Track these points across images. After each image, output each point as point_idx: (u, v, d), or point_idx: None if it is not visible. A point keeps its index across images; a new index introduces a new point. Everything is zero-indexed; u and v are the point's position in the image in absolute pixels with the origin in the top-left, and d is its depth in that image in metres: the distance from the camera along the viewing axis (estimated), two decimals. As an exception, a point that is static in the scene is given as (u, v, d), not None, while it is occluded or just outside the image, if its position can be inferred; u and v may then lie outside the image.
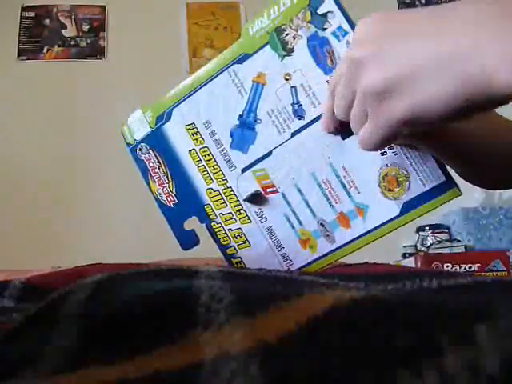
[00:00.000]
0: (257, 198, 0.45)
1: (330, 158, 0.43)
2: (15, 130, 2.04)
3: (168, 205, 0.47)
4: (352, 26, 0.40)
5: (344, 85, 0.35)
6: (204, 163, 0.46)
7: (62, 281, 0.34)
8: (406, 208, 0.41)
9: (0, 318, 0.28)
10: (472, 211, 1.75)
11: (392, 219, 0.42)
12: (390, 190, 0.42)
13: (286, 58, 0.42)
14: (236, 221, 0.46)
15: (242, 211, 0.46)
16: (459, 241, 1.69)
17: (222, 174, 0.46)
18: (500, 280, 0.31)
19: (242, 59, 0.44)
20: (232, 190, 0.45)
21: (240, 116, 0.44)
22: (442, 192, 0.41)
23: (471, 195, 1.81)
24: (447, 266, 1.15)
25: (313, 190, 0.43)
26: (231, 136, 0.45)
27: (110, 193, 2.00)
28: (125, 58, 2.17)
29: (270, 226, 0.45)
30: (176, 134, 0.46)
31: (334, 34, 0.41)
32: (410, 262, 1.29)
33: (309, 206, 0.44)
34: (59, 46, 2.19)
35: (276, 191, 0.44)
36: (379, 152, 0.42)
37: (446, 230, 1.76)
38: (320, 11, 0.41)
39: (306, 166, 0.43)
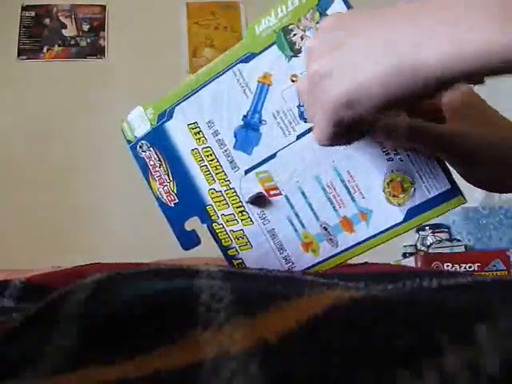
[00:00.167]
0: (260, 200, 0.44)
1: (334, 161, 0.42)
2: (15, 130, 2.04)
3: (168, 204, 0.47)
4: None
5: (301, 79, 0.38)
6: (206, 163, 0.45)
7: (62, 280, 0.34)
8: (410, 214, 0.41)
9: (0, 318, 0.28)
10: (472, 211, 1.75)
11: (395, 225, 0.41)
12: (394, 196, 0.41)
13: (293, 58, 0.42)
14: (238, 222, 0.45)
15: (244, 213, 0.45)
16: (459, 240, 1.68)
17: (225, 174, 0.45)
18: (500, 280, 0.31)
19: (247, 58, 0.43)
20: (235, 191, 0.45)
21: (244, 116, 0.44)
22: (446, 199, 0.40)
23: (471, 195, 1.80)
24: (447, 266, 1.14)
25: (317, 193, 0.43)
26: (235, 136, 0.44)
27: (110, 192, 2.00)
28: (125, 58, 2.17)
29: (273, 229, 0.45)
30: (178, 132, 0.46)
31: None
32: (410, 262, 1.29)
33: (312, 210, 0.43)
34: (59, 46, 2.19)
35: (279, 194, 0.44)
36: (385, 157, 0.41)
37: (446, 230, 1.76)
38: (329, 12, 0.40)
39: (311, 169, 0.43)
